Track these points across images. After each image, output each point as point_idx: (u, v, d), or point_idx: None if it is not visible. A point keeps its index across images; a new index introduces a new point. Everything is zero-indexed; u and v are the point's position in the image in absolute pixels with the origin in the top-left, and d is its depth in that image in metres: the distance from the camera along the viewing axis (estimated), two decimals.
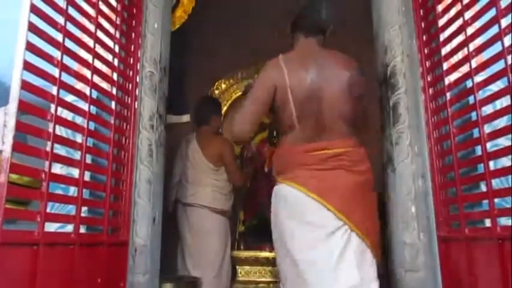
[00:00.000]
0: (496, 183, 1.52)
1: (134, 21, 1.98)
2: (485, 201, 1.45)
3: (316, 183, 1.68)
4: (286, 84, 1.71)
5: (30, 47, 1.26)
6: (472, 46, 1.53)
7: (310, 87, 1.71)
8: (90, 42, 1.65)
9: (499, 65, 1.38)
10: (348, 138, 1.76)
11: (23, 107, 1.23)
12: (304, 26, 1.87)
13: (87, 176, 1.65)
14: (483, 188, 1.52)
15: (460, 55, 1.63)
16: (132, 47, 1.95)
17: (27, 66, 1.25)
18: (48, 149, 1.38)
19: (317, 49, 1.84)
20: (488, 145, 1.45)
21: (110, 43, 1.79)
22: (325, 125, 1.73)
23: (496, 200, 1.41)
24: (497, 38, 1.38)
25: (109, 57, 1.79)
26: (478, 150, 1.52)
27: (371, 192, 1.76)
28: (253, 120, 1.76)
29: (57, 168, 1.68)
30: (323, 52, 1.83)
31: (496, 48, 1.39)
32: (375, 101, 1.98)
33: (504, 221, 1.38)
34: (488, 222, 1.46)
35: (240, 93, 4.10)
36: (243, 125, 1.76)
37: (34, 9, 1.28)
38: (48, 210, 1.37)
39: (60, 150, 1.57)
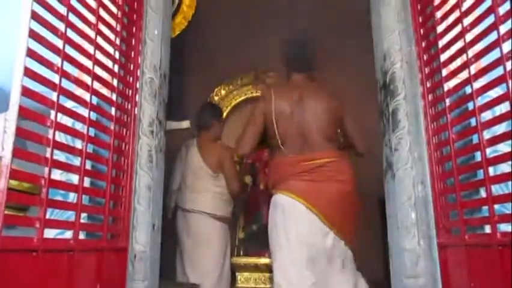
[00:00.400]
0: (496, 189, 1.52)
1: (134, 28, 1.99)
2: (485, 207, 1.44)
3: (304, 190, 2.05)
4: (272, 112, 2.16)
5: (31, 53, 1.27)
6: (471, 52, 1.54)
7: (292, 115, 2.15)
8: (90, 48, 1.65)
9: (498, 71, 1.38)
10: (330, 151, 2.15)
11: (23, 113, 1.23)
12: (295, 67, 2.32)
13: (87, 182, 1.65)
14: (483, 194, 1.52)
15: (458, 61, 1.63)
16: (132, 53, 1.96)
17: (28, 73, 1.25)
18: (48, 155, 1.38)
19: (305, 83, 2.28)
20: (488, 151, 1.45)
21: (110, 49, 1.80)
22: (309, 143, 2.14)
23: (496, 206, 1.41)
24: (496, 44, 1.38)
25: (109, 63, 1.79)
26: (478, 156, 1.52)
27: (352, 198, 2.13)
28: (251, 140, 2.23)
29: (57, 174, 1.68)
30: (309, 85, 2.27)
31: (495, 54, 1.39)
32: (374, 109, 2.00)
33: (504, 227, 1.37)
34: (488, 229, 1.45)
35: (240, 99, 4.12)
36: (244, 146, 2.23)
37: (35, 16, 1.29)
38: (47, 216, 1.37)
39: (60, 156, 1.57)
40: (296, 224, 2.05)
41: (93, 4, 1.68)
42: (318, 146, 2.14)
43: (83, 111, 1.60)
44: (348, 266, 2.14)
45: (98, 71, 1.70)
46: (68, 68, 1.49)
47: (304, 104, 2.18)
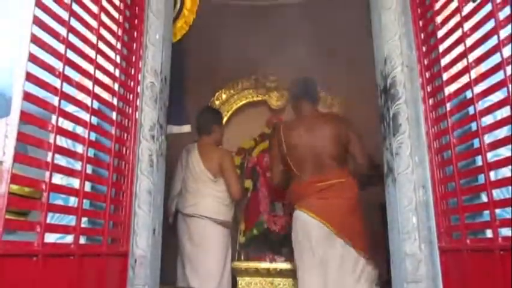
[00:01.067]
0: (497, 193, 1.52)
1: (135, 32, 2.00)
2: (487, 212, 1.44)
3: (316, 206, 2.47)
4: (283, 144, 2.60)
5: (32, 58, 1.27)
6: (471, 57, 1.54)
7: (302, 144, 2.54)
8: (92, 53, 1.65)
9: (499, 76, 1.39)
10: (338, 173, 2.54)
11: (25, 118, 1.23)
12: (303, 101, 2.71)
13: (87, 187, 1.65)
14: (484, 198, 1.52)
15: (459, 66, 1.64)
16: (133, 57, 1.97)
17: (29, 77, 1.25)
18: (49, 159, 1.38)
19: (312, 113, 2.68)
20: (489, 155, 1.45)
21: (111, 54, 1.80)
22: (319, 166, 2.53)
23: (498, 211, 1.40)
24: (496, 48, 1.38)
25: (110, 68, 1.80)
26: (479, 161, 1.52)
27: (356, 212, 2.50)
28: (278, 172, 2.70)
29: (58, 179, 1.68)
30: (317, 115, 2.69)
31: (496, 59, 1.40)
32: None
33: (505, 231, 1.37)
34: (489, 233, 1.45)
35: (241, 103, 4.13)
36: (274, 179, 2.77)
37: (36, 21, 1.29)
38: (48, 220, 1.37)
39: (61, 160, 1.57)
40: (310, 232, 2.47)
41: (94, 9, 1.68)
42: (328, 169, 2.53)
43: (84, 116, 1.60)
44: (363, 277, 2.45)
45: (100, 75, 1.70)
46: (70, 72, 1.49)
47: (314, 132, 2.56)
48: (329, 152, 2.53)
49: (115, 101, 1.80)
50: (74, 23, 1.53)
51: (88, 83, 1.63)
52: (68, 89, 1.47)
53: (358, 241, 2.46)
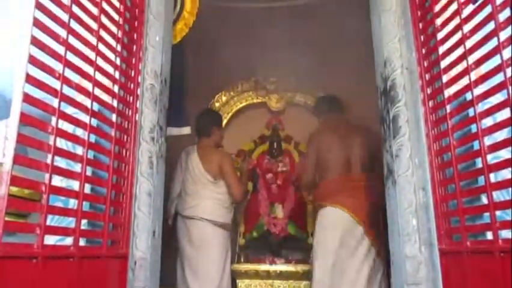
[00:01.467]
0: (497, 195, 1.52)
1: (135, 34, 2.00)
2: (487, 214, 1.44)
3: (345, 201, 2.81)
4: (319, 149, 2.95)
5: (32, 60, 1.27)
6: (471, 59, 1.54)
7: (334, 149, 2.91)
8: (91, 55, 1.65)
9: (499, 78, 1.39)
10: (363, 174, 2.91)
11: (25, 120, 1.23)
12: (331, 112, 3.17)
13: (87, 189, 1.65)
14: (484, 200, 1.51)
15: (459, 68, 1.64)
16: (133, 59, 1.97)
17: (29, 79, 1.25)
18: (48, 161, 1.37)
19: (339, 123, 3.08)
20: (489, 157, 1.45)
21: (111, 56, 1.80)
22: (347, 167, 2.90)
23: (498, 213, 1.40)
24: (497, 51, 1.38)
25: (110, 69, 1.80)
26: (479, 163, 1.51)
27: (379, 205, 2.61)
28: (313, 171, 2.97)
29: (58, 181, 1.67)
30: (343, 124, 3.08)
31: (495, 61, 1.40)
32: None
33: (506, 233, 1.37)
34: (489, 235, 1.45)
35: (241, 105, 4.13)
36: (310, 176, 2.99)
37: (36, 22, 1.29)
38: (48, 222, 1.37)
39: (61, 162, 1.57)
40: (337, 222, 2.81)
41: (95, 11, 1.68)
42: (355, 170, 2.92)
43: (84, 118, 1.60)
44: (373, 269, 2.79)
45: (99, 77, 1.70)
46: (70, 74, 1.49)
47: (343, 140, 2.94)
48: (356, 157, 2.93)
49: (114, 103, 1.80)
50: (74, 24, 1.53)
51: (88, 85, 1.63)
52: (68, 91, 1.47)
53: (375, 237, 2.80)
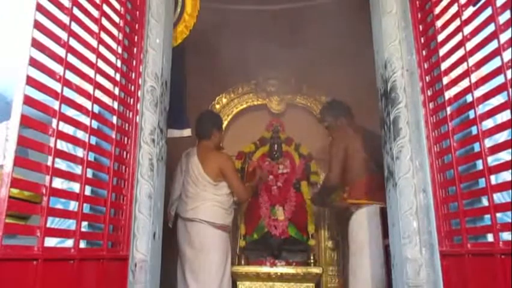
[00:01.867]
0: (498, 197, 1.52)
1: (136, 37, 2.00)
2: (487, 216, 1.44)
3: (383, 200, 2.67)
4: (348, 149, 3.01)
5: (33, 62, 1.27)
6: (472, 61, 1.54)
7: (360, 150, 3.00)
8: (92, 57, 1.66)
9: (499, 80, 1.39)
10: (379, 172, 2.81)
11: (25, 122, 1.23)
12: (342, 115, 3.22)
13: (88, 191, 1.65)
14: (485, 202, 1.51)
15: (459, 70, 1.64)
16: (134, 62, 1.97)
17: (30, 81, 1.26)
18: (49, 163, 1.38)
19: (350, 127, 3.15)
20: (489, 159, 1.45)
21: (112, 58, 1.80)
22: (370, 167, 2.95)
23: (498, 215, 1.40)
24: (497, 53, 1.39)
25: (111, 72, 1.80)
26: (479, 165, 1.51)
27: None
28: (341, 170, 3.00)
29: (58, 183, 1.67)
30: (353, 127, 3.16)
31: (496, 62, 1.40)
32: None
33: (506, 235, 1.37)
34: (490, 237, 1.45)
35: (241, 107, 4.14)
36: (337, 175, 3.01)
37: (37, 25, 1.30)
38: (48, 225, 1.37)
39: (61, 164, 1.57)
40: (379, 219, 2.85)
41: (95, 13, 1.69)
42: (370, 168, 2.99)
43: (85, 120, 1.60)
44: None
45: (100, 79, 1.70)
46: (70, 76, 1.49)
47: (363, 141, 3.03)
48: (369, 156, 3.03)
49: (115, 105, 1.80)
50: (75, 27, 1.53)
51: (89, 87, 1.64)
52: (68, 93, 1.47)
53: None
